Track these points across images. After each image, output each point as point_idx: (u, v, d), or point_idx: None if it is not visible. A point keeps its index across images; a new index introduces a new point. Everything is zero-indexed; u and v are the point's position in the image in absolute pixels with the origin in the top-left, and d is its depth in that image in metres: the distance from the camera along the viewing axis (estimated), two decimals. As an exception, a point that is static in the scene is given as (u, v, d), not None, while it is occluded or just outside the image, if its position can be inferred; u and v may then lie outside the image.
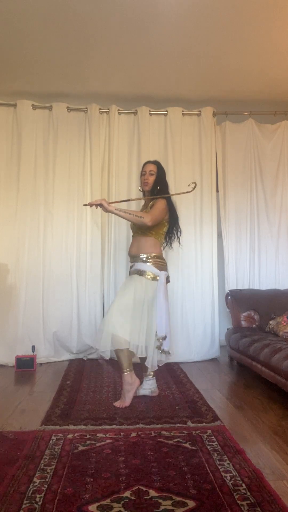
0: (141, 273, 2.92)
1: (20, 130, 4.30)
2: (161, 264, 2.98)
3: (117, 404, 2.75)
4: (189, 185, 2.99)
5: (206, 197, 4.43)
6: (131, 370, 2.84)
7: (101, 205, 2.76)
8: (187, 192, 3.07)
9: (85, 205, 2.91)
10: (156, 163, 3.13)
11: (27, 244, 4.24)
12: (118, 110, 4.43)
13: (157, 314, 2.84)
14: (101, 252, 4.32)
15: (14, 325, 4.13)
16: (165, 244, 3.14)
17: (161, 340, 2.82)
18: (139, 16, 3.19)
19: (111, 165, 4.36)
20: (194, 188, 2.97)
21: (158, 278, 2.90)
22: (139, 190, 3.24)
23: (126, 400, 2.76)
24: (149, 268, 2.92)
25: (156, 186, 3.05)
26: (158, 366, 2.94)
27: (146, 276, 2.90)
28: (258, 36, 3.46)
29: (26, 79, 4.18)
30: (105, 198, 2.94)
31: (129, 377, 2.81)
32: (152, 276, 2.90)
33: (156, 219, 2.89)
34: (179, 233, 3.12)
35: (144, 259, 2.94)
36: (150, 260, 2.94)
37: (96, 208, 2.87)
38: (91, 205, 2.78)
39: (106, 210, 2.79)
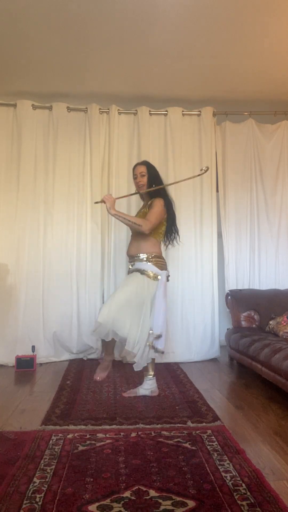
0: (142, 272, 2.93)
1: (20, 130, 4.30)
2: (162, 263, 3.00)
3: (96, 376, 3.25)
4: (201, 170, 3.10)
5: (206, 197, 4.43)
6: (111, 360, 3.26)
7: (105, 203, 2.91)
8: (199, 175, 3.28)
9: (96, 202, 3.16)
10: (145, 163, 3.15)
11: (27, 244, 4.24)
12: (118, 110, 4.43)
13: (155, 312, 2.86)
14: (101, 252, 4.32)
15: (14, 325, 4.13)
16: (167, 242, 3.15)
17: (155, 339, 2.84)
18: (139, 16, 3.19)
19: (111, 165, 4.35)
20: (205, 171, 3.09)
21: (159, 277, 2.91)
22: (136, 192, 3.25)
23: (103, 373, 3.26)
24: (150, 267, 2.93)
25: (151, 185, 3.06)
26: (148, 362, 2.96)
27: (147, 275, 2.91)
28: (258, 36, 3.46)
29: (26, 79, 4.18)
30: (112, 196, 3.01)
31: (109, 362, 3.24)
32: (153, 275, 2.91)
33: (154, 225, 2.93)
34: (177, 231, 3.14)
35: (144, 259, 2.96)
36: (151, 260, 2.95)
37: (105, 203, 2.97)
38: (102, 202, 2.97)
39: (108, 211, 2.88)
